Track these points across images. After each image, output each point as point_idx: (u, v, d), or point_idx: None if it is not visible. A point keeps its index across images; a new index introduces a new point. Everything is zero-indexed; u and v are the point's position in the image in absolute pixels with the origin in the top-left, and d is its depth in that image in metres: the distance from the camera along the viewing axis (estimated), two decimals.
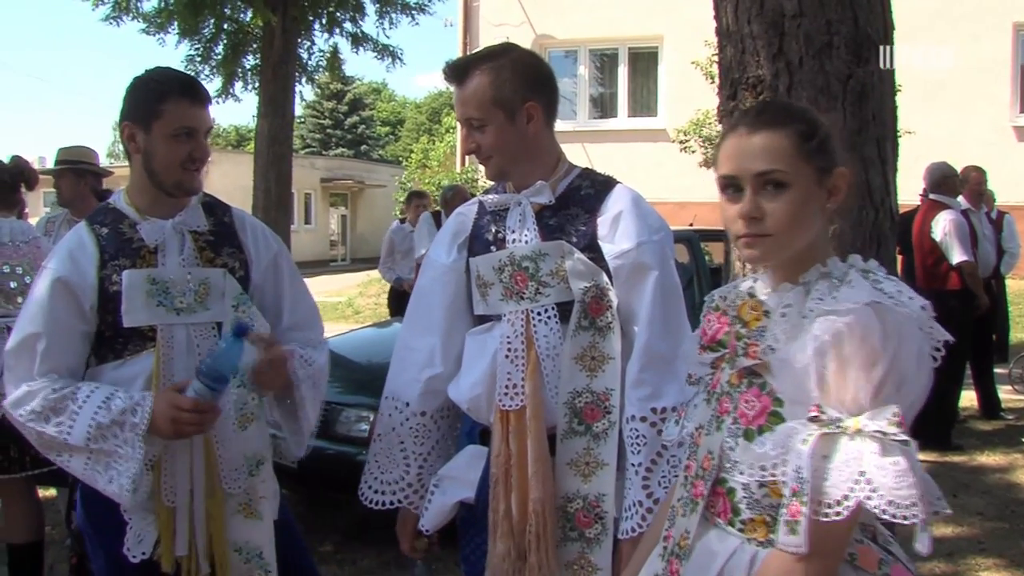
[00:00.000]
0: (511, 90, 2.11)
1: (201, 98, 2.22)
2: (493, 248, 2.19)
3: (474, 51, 2.20)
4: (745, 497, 1.52)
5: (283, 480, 5.34)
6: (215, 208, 2.36)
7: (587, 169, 2.25)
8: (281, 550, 2.31)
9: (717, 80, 3.23)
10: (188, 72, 9.40)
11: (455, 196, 7.73)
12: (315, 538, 4.81)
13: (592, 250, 2.09)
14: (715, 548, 1.56)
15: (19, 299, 3.57)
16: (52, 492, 4.94)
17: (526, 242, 2.13)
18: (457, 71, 2.14)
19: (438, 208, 8.24)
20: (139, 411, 2.06)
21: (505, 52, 2.16)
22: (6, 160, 3.98)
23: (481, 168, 2.51)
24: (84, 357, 2.22)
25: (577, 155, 2.29)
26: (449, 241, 2.30)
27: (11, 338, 2.19)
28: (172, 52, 25.14)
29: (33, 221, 4.61)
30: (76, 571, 3.83)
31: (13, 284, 3.65)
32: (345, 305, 16.14)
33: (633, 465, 2.03)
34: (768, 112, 1.61)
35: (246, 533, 2.23)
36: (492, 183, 2.31)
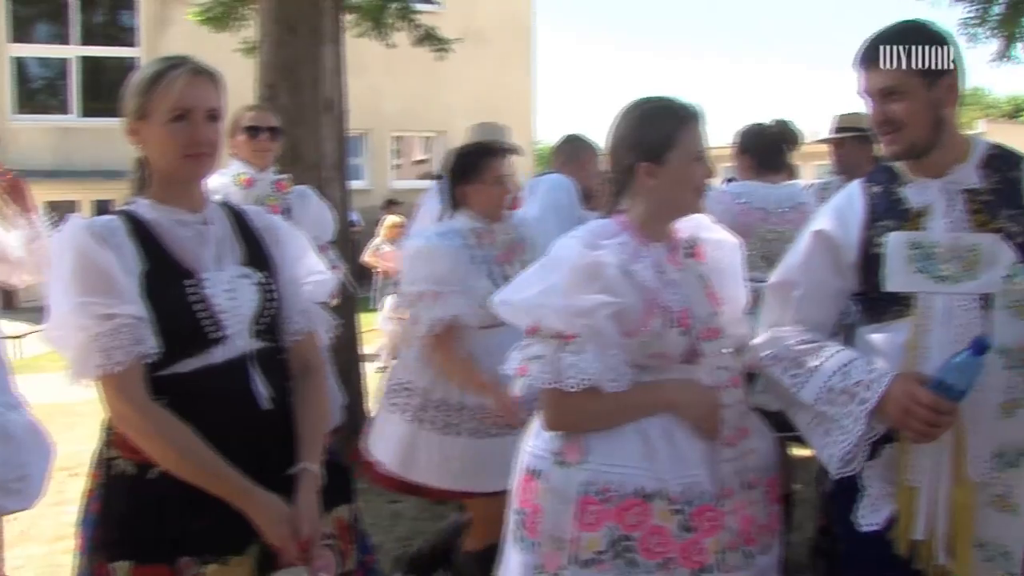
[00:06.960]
0: None
1: None
2: None
3: None
4: None
5: None
6: (1001, 161, 2.08)
7: None
8: None
9: None
10: (964, 35, 8.92)
11: None
12: None
13: None
14: None
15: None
16: (807, 452, 5.13)
17: None
18: None
19: None
20: (873, 387, 1.97)
21: None
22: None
23: None
24: (836, 314, 2.21)
25: None
26: None
27: (772, 278, 2.27)
28: (945, 12, 24.20)
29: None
30: (823, 532, 3.95)
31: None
32: None
33: None
34: None
35: (994, 528, 1.98)
36: None
